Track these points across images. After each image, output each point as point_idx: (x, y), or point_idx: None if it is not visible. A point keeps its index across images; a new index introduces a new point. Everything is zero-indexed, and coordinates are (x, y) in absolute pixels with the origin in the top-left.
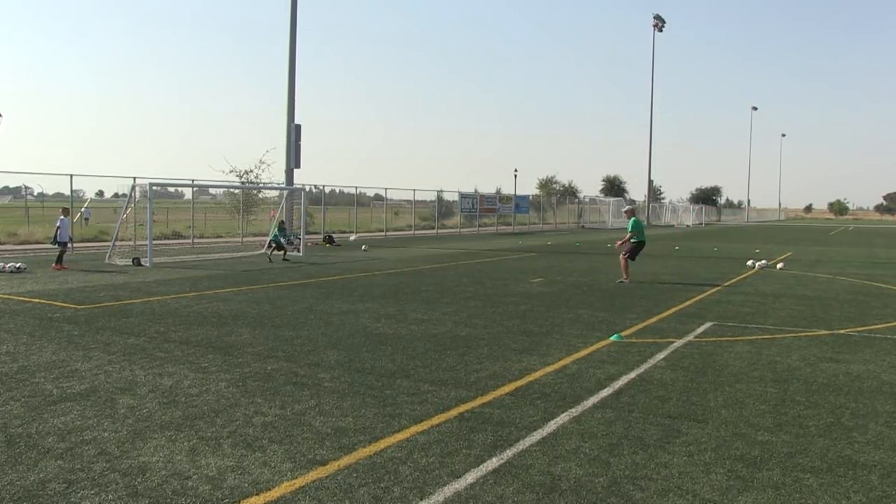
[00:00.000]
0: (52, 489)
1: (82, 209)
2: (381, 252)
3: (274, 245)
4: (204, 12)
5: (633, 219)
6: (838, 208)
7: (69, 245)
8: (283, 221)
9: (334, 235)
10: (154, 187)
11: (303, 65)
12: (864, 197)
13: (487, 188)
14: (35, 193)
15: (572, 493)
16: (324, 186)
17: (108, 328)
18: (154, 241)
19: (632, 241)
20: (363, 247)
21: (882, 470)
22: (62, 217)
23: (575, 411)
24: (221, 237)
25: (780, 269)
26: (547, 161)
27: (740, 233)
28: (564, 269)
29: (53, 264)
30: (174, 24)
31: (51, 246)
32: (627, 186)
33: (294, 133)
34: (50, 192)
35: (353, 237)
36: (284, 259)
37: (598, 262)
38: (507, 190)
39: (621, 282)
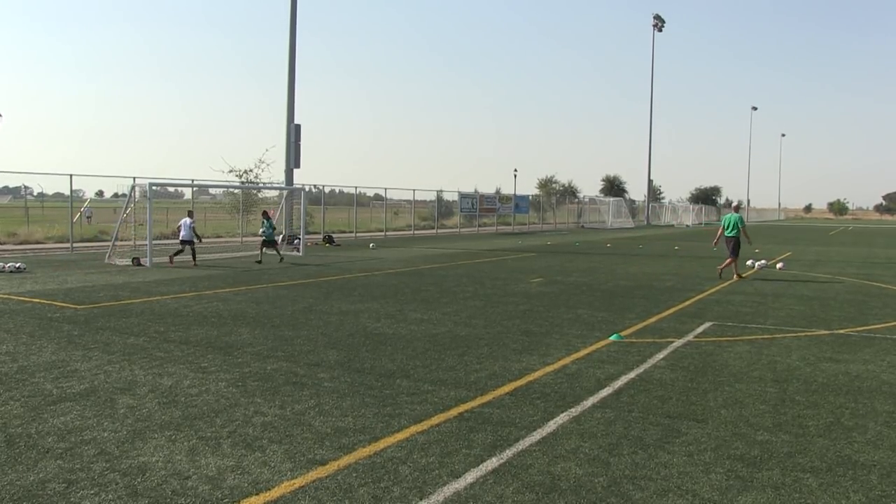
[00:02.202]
0: (52, 489)
1: (82, 208)
2: (381, 252)
3: (267, 243)
4: (203, 12)
5: (739, 214)
6: (838, 208)
7: (194, 244)
8: (266, 212)
9: (334, 235)
10: (154, 187)
11: (302, 65)
12: (864, 197)
13: (487, 188)
14: (35, 193)
15: (572, 493)
16: (323, 186)
17: (107, 328)
18: (154, 241)
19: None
20: (371, 245)
21: (882, 470)
22: (186, 219)
23: (574, 411)
24: (221, 237)
25: (780, 268)
26: (546, 161)
27: None
28: (564, 269)
29: (191, 261)
30: (173, 23)
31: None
32: (627, 186)
33: (294, 133)
34: (50, 191)
35: (372, 245)
36: (281, 259)
37: (597, 262)
38: (507, 190)
39: (734, 277)
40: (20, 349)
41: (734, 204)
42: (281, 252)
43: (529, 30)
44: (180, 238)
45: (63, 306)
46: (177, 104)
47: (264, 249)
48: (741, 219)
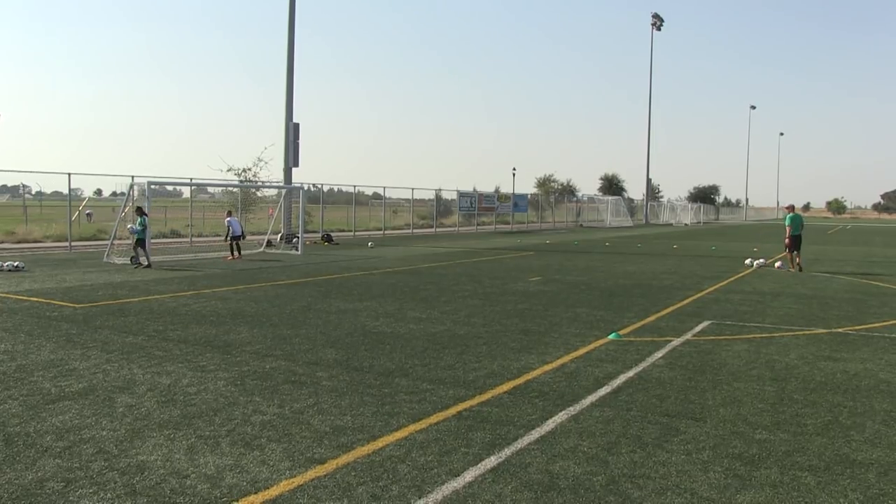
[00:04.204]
0: (51, 488)
1: (80, 207)
2: (380, 251)
3: (137, 245)
4: (202, 11)
5: (788, 215)
6: (836, 207)
7: (241, 239)
8: (140, 208)
9: (333, 234)
10: (152, 186)
11: (301, 63)
12: (862, 196)
13: (486, 187)
14: (33, 192)
15: (570, 492)
16: (322, 185)
17: (106, 327)
18: (152, 240)
19: (791, 234)
20: (370, 243)
21: (879, 468)
22: (228, 218)
23: (573, 410)
24: (219, 236)
25: (778, 267)
26: (545, 160)
27: (738, 231)
28: (563, 268)
29: (229, 256)
30: (173, 22)
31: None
32: (626, 185)
33: (292, 132)
34: (48, 190)
35: (370, 244)
36: (137, 264)
37: (596, 260)
38: (506, 189)
39: (789, 270)
40: (18, 348)
41: (791, 204)
42: (147, 259)
43: (528, 29)
44: (233, 234)
45: (61, 305)
46: (176, 103)
47: (139, 250)
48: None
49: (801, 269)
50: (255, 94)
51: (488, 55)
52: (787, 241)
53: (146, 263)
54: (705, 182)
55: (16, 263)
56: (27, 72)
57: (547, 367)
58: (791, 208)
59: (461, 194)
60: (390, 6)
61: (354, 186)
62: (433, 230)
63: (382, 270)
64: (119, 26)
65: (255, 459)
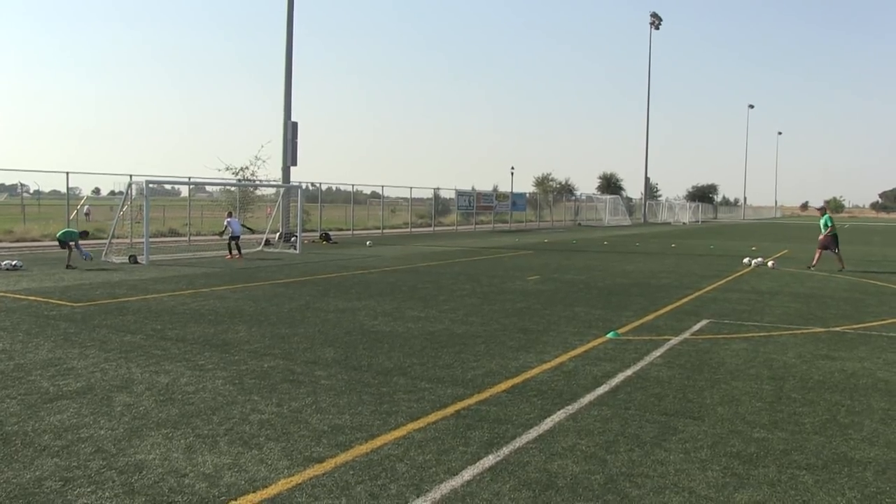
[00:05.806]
0: (49, 487)
1: (79, 206)
2: (378, 249)
3: (68, 245)
4: (201, 9)
5: (828, 215)
6: (834, 206)
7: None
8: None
9: (331, 233)
10: (150, 185)
11: (299, 62)
12: (860, 195)
13: (484, 186)
14: (31, 191)
15: (569, 491)
16: (320, 184)
17: (104, 326)
18: (150, 239)
19: (831, 234)
20: (368, 242)
21: (877, 467)
22: (228, 219)
23: (571, 409)
24: (218, 235)
25: (772, 266)
26: (543, 159)
27: (737, 230)
28: (561, 267)
29: (228, 256)
30: (171, 21)
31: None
32: (624, 184)
33: (290, 130)
34: (46, 189)
35: (368, 243)
36: (69, 266)
37: (594, 259)
38: (504, 187)
39: (841, 267)
40: (16, 347)
41: (824, 206)
42: (71, 262)
43: (527, 27)
44: (232, 234)
45: (60, 304)
46: (175, 102)
47: (70, 252)
48: None
49: (811, 268)
50: (254, 93)
51: (487, 54)
52: (828, 237)
53: (67, 265)
54: (703, 181)
55: (14, 262)
56: (25, 70)
57: (545, 366)
58: (824, 210)
59: (459, 193)
60: (389, 5)
61: (353, 185)
62: (431, 229)
63: (381, 269)
64: (118, 25)
65: (254, 458)
